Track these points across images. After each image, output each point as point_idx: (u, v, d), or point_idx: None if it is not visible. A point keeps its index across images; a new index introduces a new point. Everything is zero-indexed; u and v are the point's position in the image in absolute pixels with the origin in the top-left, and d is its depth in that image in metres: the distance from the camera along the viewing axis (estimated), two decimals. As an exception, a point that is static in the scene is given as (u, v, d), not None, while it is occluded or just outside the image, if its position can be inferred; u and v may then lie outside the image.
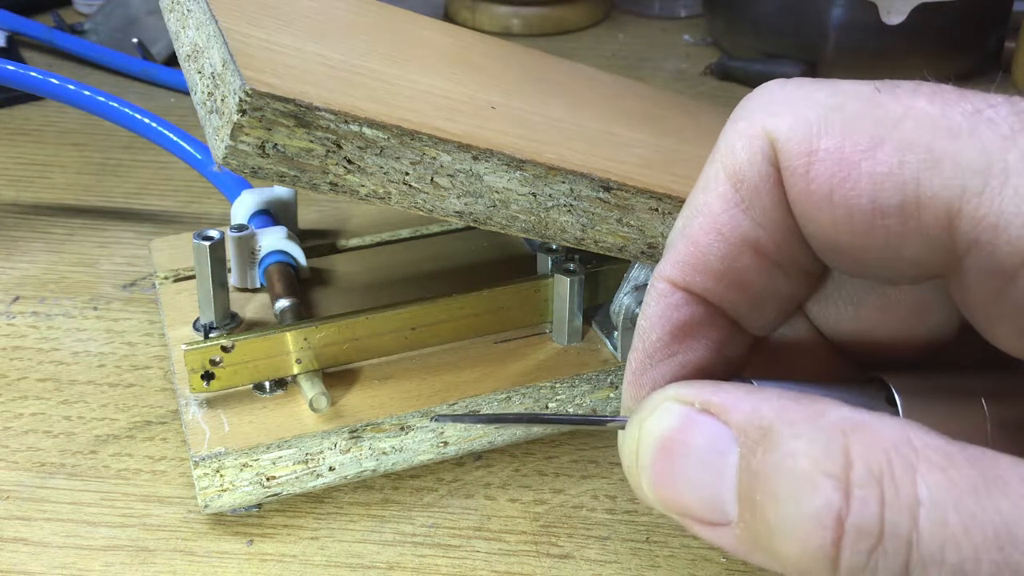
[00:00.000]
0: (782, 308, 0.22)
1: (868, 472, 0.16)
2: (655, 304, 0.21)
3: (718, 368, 0.21)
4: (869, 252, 0.19)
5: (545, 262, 0.39)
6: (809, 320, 0.23)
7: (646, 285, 0.21)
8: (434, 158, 0.28)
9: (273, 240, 0.40)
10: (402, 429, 0.34)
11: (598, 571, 0.32)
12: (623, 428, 0.20)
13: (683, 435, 0.19)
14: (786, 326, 0.23)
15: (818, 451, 0.17)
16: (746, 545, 0.18)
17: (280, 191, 0.43)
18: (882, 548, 0.16)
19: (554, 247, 0.39)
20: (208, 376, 0.34)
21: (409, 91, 0.31)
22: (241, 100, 0.26)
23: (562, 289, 0.37)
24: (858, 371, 0.23)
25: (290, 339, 0.34)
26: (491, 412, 0.35)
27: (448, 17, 0.80)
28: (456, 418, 0.33)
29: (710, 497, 0.18)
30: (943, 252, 0.18)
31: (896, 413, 0.20)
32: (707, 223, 0.20)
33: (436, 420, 0.27)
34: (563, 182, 0.30)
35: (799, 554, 0.17)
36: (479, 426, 0.34)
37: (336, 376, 0.36)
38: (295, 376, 0.35)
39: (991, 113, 0.17)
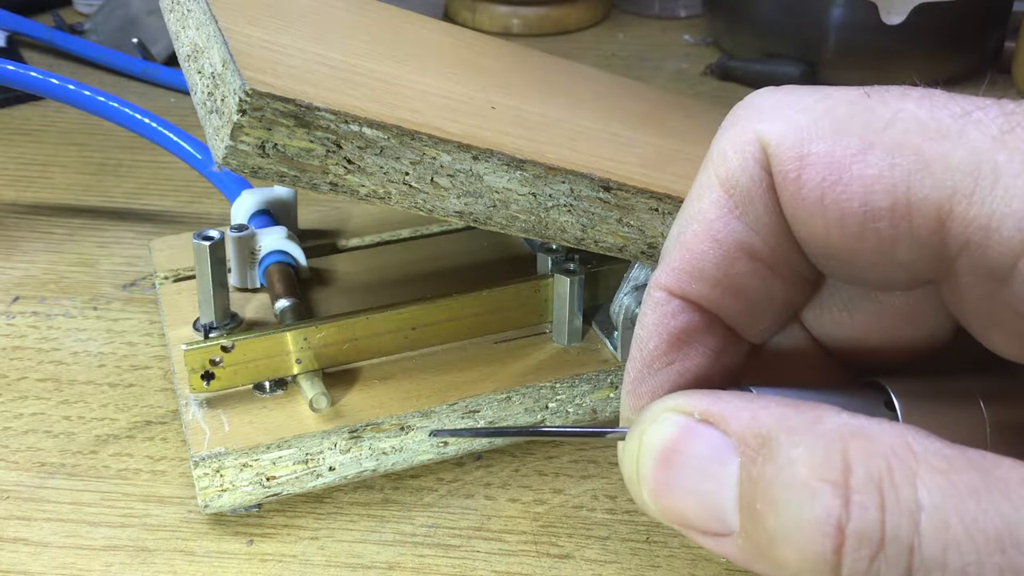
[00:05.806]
0: (778, 314, 0.22)
1: (868, 478, 0.16)
2: (652, 313, 0.21)
3: (716, 376, 0.21)
4: (861, 256, 0.19)
5: (545, 262, 0.39)
6: (805, 327, 0.23)
7: (646, 285, 0.21)
8: (434, 158, 0.28)
9: (273, 240, 0.40)
10: (402, 429, 0.34)
11: (598, 571, 0.32)
12: (623, 439, 0.20)
13: (683, 445, 0.19)
14: (782, 334, 0.23)
15: (817, 458, 0.17)
16: (748, 554, 0.18)
17: (280, 191, 0.43)
18: (884, 554, 0.16)
19: (554, 247, 0.39)
20: (208, 376, 0.34)
21: (409, 91, 0.31)
22: (241, 100, 0.26)
23: (562, 289, 0.37)
24: (855, 376, 0.23)
25: (290, 339, 0.34)
26: (490, 415, 0.35)
27: (448, 17, 0.80)
28: (454, 432, 0.33)
29: (711, 507, 0.18)
30: (935, 255, 0.18)
31: (895, 418, 0.20)
32: (701, 230, 0.20)
33: (434, 435, 0.27)
34: (563, 182, 0.30)
35: (800, 562, 0.17)
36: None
37: (336, 376, 0.36)
38: (295, 376, 0.35)
39: (980, 115, 0.17)
